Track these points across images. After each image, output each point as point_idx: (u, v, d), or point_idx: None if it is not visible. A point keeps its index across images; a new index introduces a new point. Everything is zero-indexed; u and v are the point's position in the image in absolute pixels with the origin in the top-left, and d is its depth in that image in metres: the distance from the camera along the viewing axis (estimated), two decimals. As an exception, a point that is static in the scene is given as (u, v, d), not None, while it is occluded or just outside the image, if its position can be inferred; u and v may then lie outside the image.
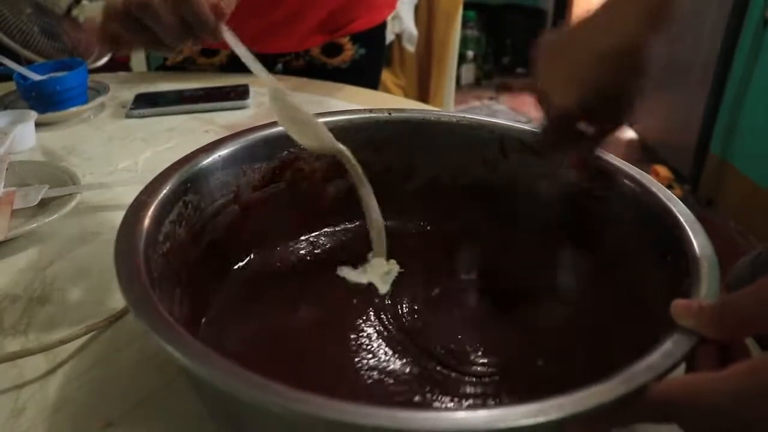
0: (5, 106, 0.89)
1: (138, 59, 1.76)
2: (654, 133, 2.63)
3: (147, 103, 0.91)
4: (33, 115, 0.81)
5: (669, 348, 0.30)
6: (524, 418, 0.26)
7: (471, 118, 0.55)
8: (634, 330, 0.41)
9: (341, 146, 0.47)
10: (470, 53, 3.30)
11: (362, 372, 0.41)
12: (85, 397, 0.42)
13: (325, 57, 1.06)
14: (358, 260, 0.51)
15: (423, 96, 2.49)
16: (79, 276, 0.55)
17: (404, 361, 0.42)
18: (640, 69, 0.45)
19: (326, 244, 0.54)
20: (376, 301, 0.48)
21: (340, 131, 0.53)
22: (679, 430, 0.29)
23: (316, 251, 0.53)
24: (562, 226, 0.52)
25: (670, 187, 2.28)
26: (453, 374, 0.41)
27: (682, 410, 0.28)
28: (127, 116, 0.89)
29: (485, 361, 0.42)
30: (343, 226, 0.56)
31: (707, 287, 0.34)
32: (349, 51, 1.06)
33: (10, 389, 0.43)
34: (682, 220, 0.40)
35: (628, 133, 2.83)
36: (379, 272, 0.49)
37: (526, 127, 0.53)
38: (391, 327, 0.45)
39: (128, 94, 0.95)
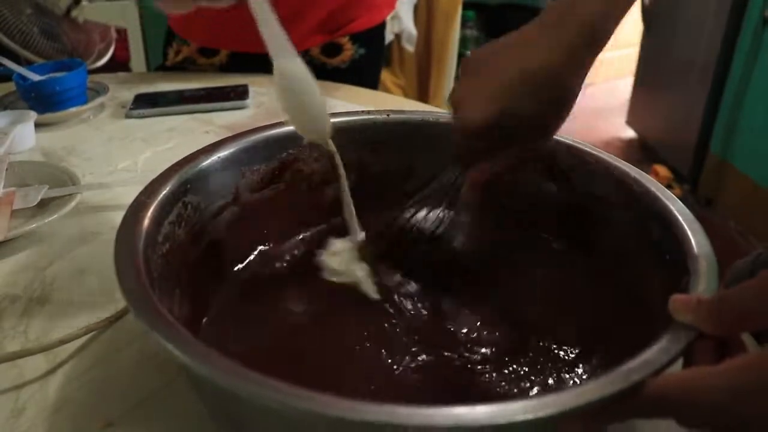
0: (5, 107, 0.89)
1: (138, 60, 1.76)
2: (654, 133, 2.63)
3: (147, 103, 0.91)
4: (32, 115, 0.81)
5: (666, 343, 0.30)
6: (523, 414, 0.26)
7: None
8: (633, 329, 0.41)
9: (334, 148, 0.47)
10: (469, 53, 3.30)
11: (363, 371, 0.41)
12: (85, 397, 0.42)
13: (324, 57, 1.06)
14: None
15: (422, 96, 2.49)
16: (78, 276, 0.55)
17: (405, 359, 0.42)
18: (561, 96, 0.43)
19: (326, 245, 0.54)
20: (377, 300, 0.48)
21: (339, 132, 0.53)
22: (676, 425, 0.29)
23: (315, 252, 0.53)
24: (562, 225, 0.52)
25: (669, 186, 2.28)
26: (453, 371, 0.41)
27: (680, 405, 0.28)
28: (127, 116, 0.89)
29: (486, 362, 0.42)
30: (342, 227, 0.56)
31: (706, 286, 0.34)
32: (349, 51, 1.06)
33: (10, 389, 0.43)
34: (681, 219, 0.40)
35: (628, 133, 2.83)
36: (360, 274, 0.48)
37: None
38: (392, 326, 0.45)
39: (128, 94, 0.95)
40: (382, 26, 1.12)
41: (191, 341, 0.30)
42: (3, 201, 0.63)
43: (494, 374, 0.41)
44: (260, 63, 1.07)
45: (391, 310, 0.46)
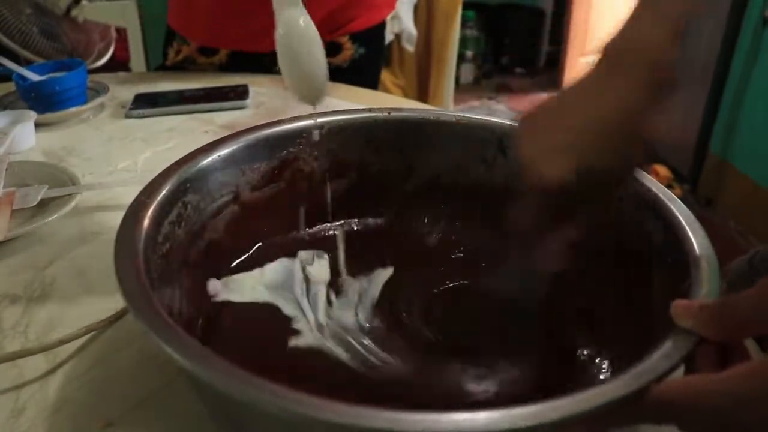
0: (5, 107, 0.89)
1: (137, 59, 1.76)
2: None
3: (146, 103, 0.91)
4: (32, 115, 0.81)
5: (668, 349, 0.30)
6: (524, 420, 0.26)
7: (470, 117, 0.55)
8: (634, 330, 0.41)
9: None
10: (469, 53, 3.30)
11: (363, 370, 0.41)
12: (85, 397, 0.42)
13: None
14: (356, 260, 0.51)
15: (422, 96, 2.49)
16: (78, 276, 0.55)
17: (406, 358, 0.42)
18: (637, 141, 0.41)
19: (325, 244, 0.54)
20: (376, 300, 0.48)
21: (340, 130, 0.53)
22: (678, 431, 0.29)
23: (315, 251, 0.53)
24: (561, 225, 0.52)
25: (669, 186, 2.28)
26: (454, 370, 0.41)
27: (682, 411, 0.28)
28: (127, 116, 0.89)
29: (485, 362, 0.42)
30: (341, 227, 0.56)
31: (707, 287, 0.34)
32: (349, 50, 1.06)
33: (10, 389, 0.43)
34: (682, 220, 0.40)
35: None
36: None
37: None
38: (392, 325, 0.45)
39: (128, 94, 0.95)
40: (382, 26, 1.12)
41: (190, 342, 0.30)
42: (3, 201, 0.63)
43: (493, 375, 0.41)
44: (259, 62, 1.07)
45: (392, 311, 0.46)
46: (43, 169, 0.70)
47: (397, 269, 0.50)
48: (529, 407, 0.26)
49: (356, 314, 0.45)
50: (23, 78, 0.88)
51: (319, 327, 0.44)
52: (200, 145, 0.48)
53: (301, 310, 0.45)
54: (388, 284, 0.49)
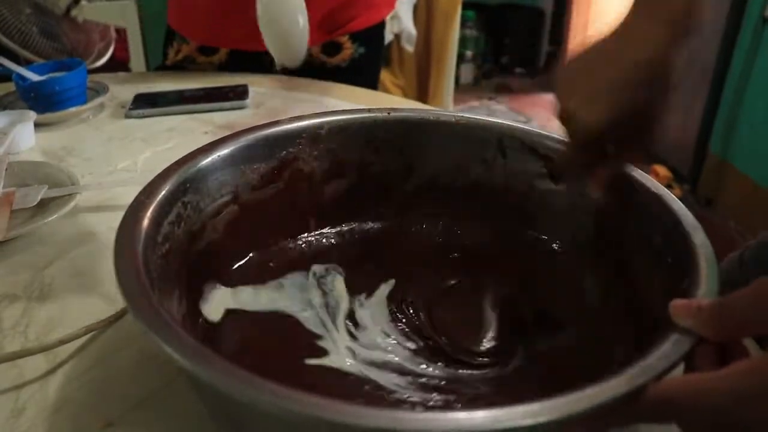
0: (4, 107, 0.89)
1: (137, 59, 1.76)
2: (653, 133, 2.63)
3: (146, 103, 0.91)
4: (32, 115, 0.81)
5: (667, 348, 0.30)
6: (524, 419, 0.26)
7: (470, 117, 0.55)
8: (633, 330, 0.41)
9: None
10: (469, 53, 3.31)
11: (363, 369, 0.41)
12: (85, 397, 0.42)
13: (324, 56, 1.06)
14: (355, 260, 0.51)
15: (422, 96, 2.49)
16: (78, 276, 0.55)
17: (406, 359, 0.42)
18: (668, 81, 0.44)
19: (325, 245, 0.54)
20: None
21: (339, 130, 0.53)
22: (678, 430, 0.29)
23: (314, 252, 0.53)
24: (561, 225, 0.52)
25: (669, 186, 2.28)
26: (455, 370, 0.41)
27: (681, 410, 0.28)
28: (127, 116, 0.89)
29: (485, 360, 0.42)
30: (341, 227, 0.56)
31: (706, 287, 0.34)
32: (349, 50, 1.07)
33: (10, 389, 0.43)
34: (681, 220, 0.40)
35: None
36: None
37: (525, 126, 0.53)
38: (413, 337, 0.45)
39: (127, 94, 0.95)
40: (381, 25, 1.12)
41: (189, 342, 0.30)
42: (2, 201, 0.63)
43: (492, 376, 0.41)
44: (259, 62, 1.08)
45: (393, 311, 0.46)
46: (43, 169, 0.70)
47: (398, 269, 0.51)
48: (528, 406, 0.26)
49: (382, 335, 0.45)
50: (23, 78, 0.88)
51: (350, 351, 0.43)
52: (200, 146, 0.48)
53: (324, 327, 0.45)
54: (394, 291, 0.49)
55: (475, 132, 0.54)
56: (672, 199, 0.43)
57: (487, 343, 0.44)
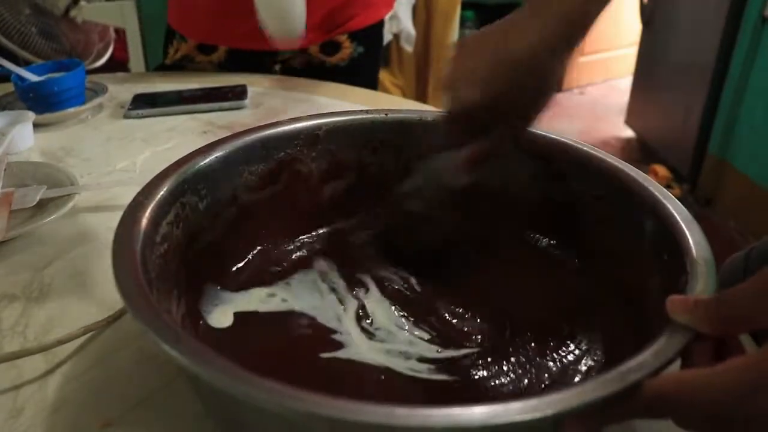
0: (3, 107, 0.89)
1: (136, 60, 1.76)
2: (653, 133, 2.63)
3: (145, 103, 0.91)
4: (31, 115, 0.81)
5: (664, 344, 0.30)
6: (520, 414, 0.26)
7: (468, 117, 0.55)
8: (631, 329, 0.41)
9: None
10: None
11: (361, 369, 0.41)
12: (84, 397, 0.42)
13: (323, 55, 1.07)
14: (355, 259, 0.51)
15: (421, 96, 2.49)
16: (77, 276, 0.55)
17: (405, 358, 0.42)
18: (541, 82, 0.46)
19: (324, 245, 0.54)
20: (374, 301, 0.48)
21: (337, 131, 0.54)
22: (674, 426, 0.29)
23: (313, 252, 0.53)
24: (560, 225, 0.52)
25: (668, 186, 2.28)
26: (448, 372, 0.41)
27: (678, 406, 0.28)
28: (126, 117, 0.89)
29: (480, 362, 0.42)
30: (340, 227, 0.56)
31: (703, 283, 0.34)
32: (348, 49, 1.07)
33: (9, 389, 0.43)
34: (679, 219, 0.40)
35: (627, 133, 2.83)
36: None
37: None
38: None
39: (126, 94, 0.95)
40: (380, 25, 1.12)
41: (188, 341, 0.30)
42: (1, 201, 0.63)
43: (490, 375, 0.41)
44: (258, 60, 1.08)
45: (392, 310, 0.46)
46: (42, 169, 0.70)
47: (397, 268, 0.51)
48: (524, 402, 0.26)
49: (395, 327, 0.45)
50: (22, 78, 0.88)
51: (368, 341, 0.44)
52: (199, 146, 0.48)
53: (338, 320, 0.46)
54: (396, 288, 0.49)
55: (473, 132, 0.54)
56: (668, 197, 0.43)
57: (479, 345, 0.44)
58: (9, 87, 0.91)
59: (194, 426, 0.40)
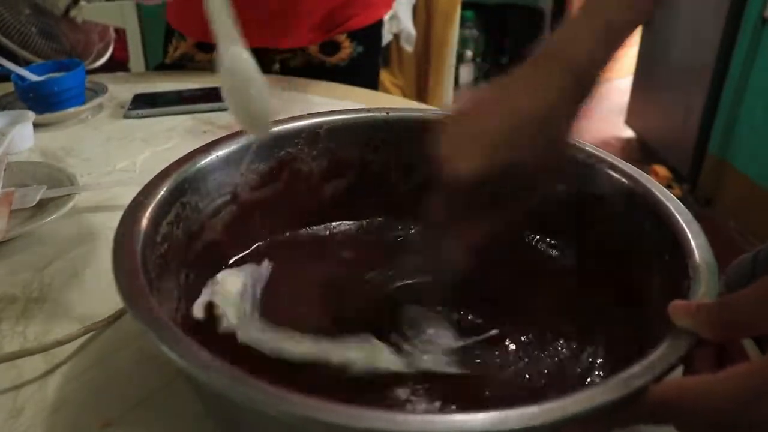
0: (3, 107, 0.89)
1: (136, 59, 1.76)
2: (653, 133, 2.63)
3: (145, 103, 0.91)
4: (31, 115, 0.81)
5: (667, 350, 0.30)
6: (521, 421, 0.26)
7: (469, 117, 0.55)
8: (632, 330, 0.41)
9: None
10: (469, 53, 3.30)
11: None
12: (84, 397, 0.42)
13: (323, 55, 1.07)
14: (355, 259, 0.51)
15: (421, 96, 2.49)
16: (77, 276, 0.55)
17: (404, 360, 0.42)
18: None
19: (324, 245, 0.54)
20: (374, 300, 0.48)
21: (338, 130, 0.53)
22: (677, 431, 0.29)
23: (313, 252, 0.53)
24: (560, 226, 0.52)
25: (669, 186, 2.28)
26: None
27: (680, 412, 0.28)
28: (126, 116, 0.89)
29: (479, 360, 0.42)
30: (340, 227, 0.56)
31: (705, 287, 0.34)
32: (347, 49, 1.07)
33: (9, 390, 0.43)
34: (680, 220, 0.40)
35: (627, 133, 2.83)
36: None
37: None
38: (390, 325, 0.45)
39: (126, 94, 0.95)
40: (379, 24, 1.12)
41: (187, 343, 0.30)
42: (1, 201, 0.63)
43: (491, 376, 0.41)
44: (258, 59, 1.07)
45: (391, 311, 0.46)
46: (42, 169, 0.70)
47: (397, 267, 0.51)
48: (526, 408, 0.26)
49: None
50: (22, 78, 0.88)
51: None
52: (199, 146, 0.48)
53: None
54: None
55: (474, 132, 0.54)
56: (671, 198, 0.43)
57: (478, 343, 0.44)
58: (9, 87, 0.91)
59: (194, 426, 0.40)
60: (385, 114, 0.55)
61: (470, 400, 0.39)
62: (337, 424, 0.25)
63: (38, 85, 0.87)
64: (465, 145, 0.41)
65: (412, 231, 0.54)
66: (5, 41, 1.26)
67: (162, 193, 0.43)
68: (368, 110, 0.55)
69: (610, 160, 0.48)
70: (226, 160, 0.48)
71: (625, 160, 0.48)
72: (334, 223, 0.56)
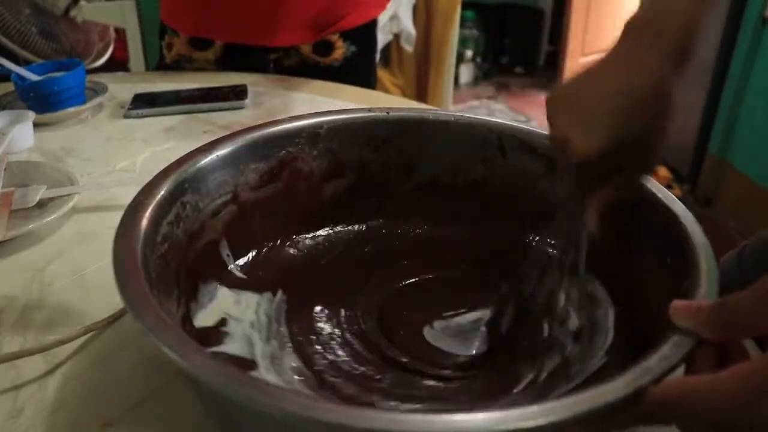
0: (3, 107, 0.89)
1: (136, 59, 1.76)
2: (652, 133, 2.63)
3: (145, 103, 0.91)
4: (31, 115, 0.81)
5: (667, 350, 0.30)
6: (522, 421, 0.26)
7: (469, 116, 0.55)
8: (633, 331, 0.41)
9: None
10: (469, 53, 3.30)
11: (359, 370, 0.41)
12: (83, 397, 0.42)
13: (317, 56, 1.06)
14: (356, 259, 0.51)
15: (421, 96, 2.49)
16: (77, 276, 0.55)
17: (404, 360, 0.42)
18: (666, 110, 0.42)
19: (324, 245, 0.54)
20: (372, 301, 0.48)
21: (338, 130, 0.53)
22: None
23: (313, 252, 0.53)
24: (560, 226, 0.52)
25: (669, 186, 2.28)
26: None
27: (681, 412, 0.28)
28: (126, 116, 0.89)
29: (479, 361, 0.42)
30: (340, 227, 0.56)
31: (706, 288, 0.34)
32: (341, 49, 1.06)
33: (9, 390, 0.43)
34: (681, 220, 0.40)
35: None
36: None
37: (525, 126, 0.53)
38: (390, 326, 0.45)
39: (126, 94, 0.95)
40: (372, 24, 1.12)
41: (187, 343, 0.30)
42: (1, 201, 0.63)
43: (492, 375, 0.41)
44: (255, 57, 1.07)
45: (391, 313, 0.46)
46: (42, 169, 0.70)
47: (397, 268, 0.51)
48: (527, 408, 0.26)
49: None
50: (22, 78, 0.88)
51: None
52: (199, 145, 0.48)
53: None
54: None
55: (474, 131, 0.54)
56: (671, 199, 0.43)
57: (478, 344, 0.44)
58: (9, 86, 0.91)
59: (194, 426, 0.40)
60: (385, 114, 0.55)
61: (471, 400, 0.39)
62: (337, 423, 0.25)
63: (38, 84, 0.87)
64: (580, 126, 0.43)
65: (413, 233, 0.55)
66: (5, 41, 1.26)
67: (162, 193, 0.43)
68: (369, 110, 0.55)
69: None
70: (226, 160, 0.48)
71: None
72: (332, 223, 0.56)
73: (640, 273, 0.43)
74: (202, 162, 0.47)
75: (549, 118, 0.45)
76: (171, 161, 0.46)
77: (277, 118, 0.52)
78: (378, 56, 1.25)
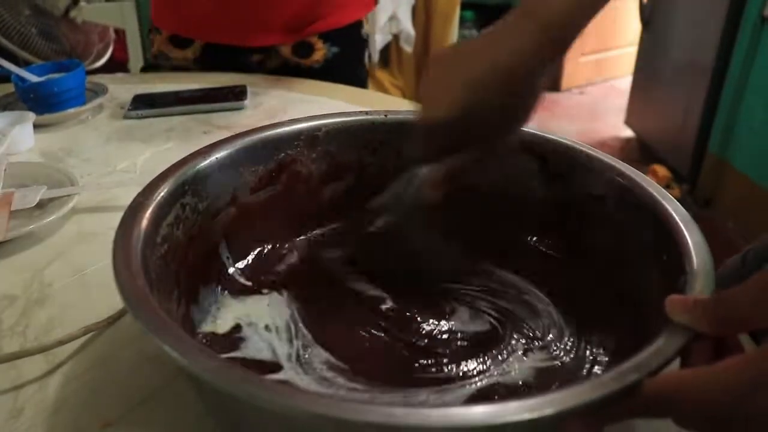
0: (3, 108, 0.89)
1: (136, 60, 1.76)
2: (652, 133, 2.64)
3: (145, 104, 0.92)
4: (31, 116, 0.81)
5: (663, 344, 0.30)
6: (520, 414, 0.26)
7: (468, 118, 0.55)
8: (630, 329, 0.41)
9: None
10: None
11: (359, 368, 0.41)
12: (84, 397, 0.43)
13: (297, 57, 1.06)
14: (356, 259, 0.52)
15: (421, 96, 2.49)
16: (77, 277, 0.55)
17: (402, 361, 0.42)
18: (525, 93, 0.44)
19: (323, 247, 0.54)
20: (372, 301, 0.48)
21: (337, 133, 0.54)
22: (674, 425, 0.29)
23: (312, 253, 0.53)
24: (559, 225, 0.52)
25: (668, 186, 2.28)
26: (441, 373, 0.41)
27: (677, 405, 0.28)
28: (125, 117, 0.89)
29: (480, 361, 0.42)
30: (340, 228, 0.56)
31: (702, 283, 0.34)
32: (321, 50, 1.06)
33: (9, 390, 0.43)
34: (677, 219, 0.41)
35: (626, 133, 2.84)
36: None
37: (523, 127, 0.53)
38: (389, 326, 0.45)
39: (126, 95, 0.95)
40: (356, 26, 1.10)
41: (188, 342, 0.30)
42: (2, 202, 0.63)
43: (492, 374, 0.41)
44: (236, 58, 1.06)
45: (382, 323, 0.46)
46: (42, 169, 0.70)
47: (398, 268, 0.51)
48: (523, 401, 0.26)
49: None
50: (22, 79, 0.88)
51: None
52: (199, 146, 0.48)
53: None
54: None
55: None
56: (667, 197, 0.43)
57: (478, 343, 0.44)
58: (9, 87, 0.91)
59: (194, 426, 0.40)
60: (383, 116, 0.55)
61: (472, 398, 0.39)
62: (336, 417, 0.26)
63: (38, 85, 0.87)
64: (439, 90, 0.45)
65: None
66: (5, 42, 1.26)
67: (162, 194, 0.43)
68: (367, 113, 0.55)
69: (608, 160, 0.49)
70: (226, 163, 0.48)
71: (624, 161, 0.48)
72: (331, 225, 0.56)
73: (638, 272, 0.44)
74: (202, 164, 0.47)
75: (422, 76, 0.46)
76: (171, 162, 0.46)
77: (276, 121, 0.52)
78: (369, 57, 1.24)
